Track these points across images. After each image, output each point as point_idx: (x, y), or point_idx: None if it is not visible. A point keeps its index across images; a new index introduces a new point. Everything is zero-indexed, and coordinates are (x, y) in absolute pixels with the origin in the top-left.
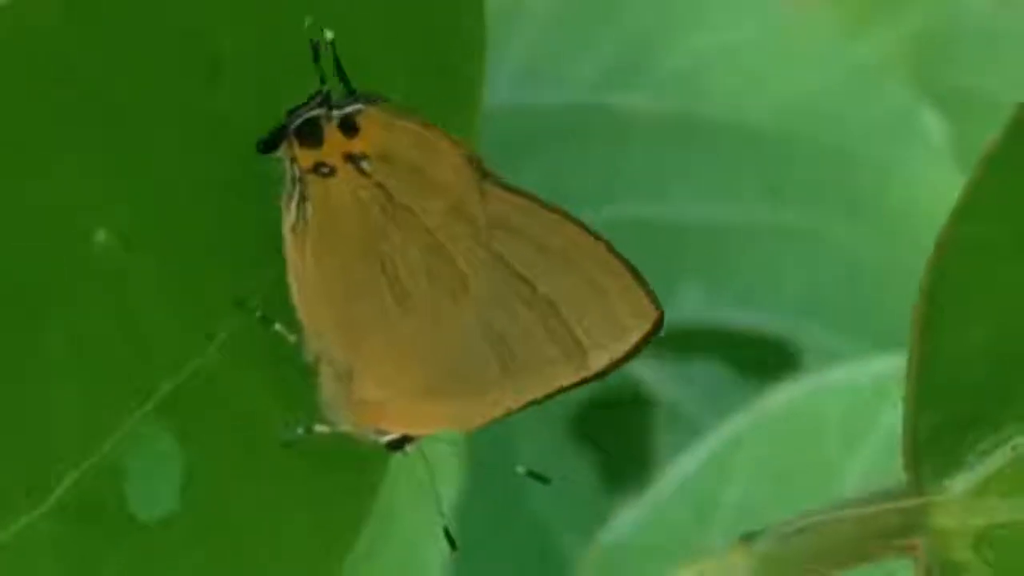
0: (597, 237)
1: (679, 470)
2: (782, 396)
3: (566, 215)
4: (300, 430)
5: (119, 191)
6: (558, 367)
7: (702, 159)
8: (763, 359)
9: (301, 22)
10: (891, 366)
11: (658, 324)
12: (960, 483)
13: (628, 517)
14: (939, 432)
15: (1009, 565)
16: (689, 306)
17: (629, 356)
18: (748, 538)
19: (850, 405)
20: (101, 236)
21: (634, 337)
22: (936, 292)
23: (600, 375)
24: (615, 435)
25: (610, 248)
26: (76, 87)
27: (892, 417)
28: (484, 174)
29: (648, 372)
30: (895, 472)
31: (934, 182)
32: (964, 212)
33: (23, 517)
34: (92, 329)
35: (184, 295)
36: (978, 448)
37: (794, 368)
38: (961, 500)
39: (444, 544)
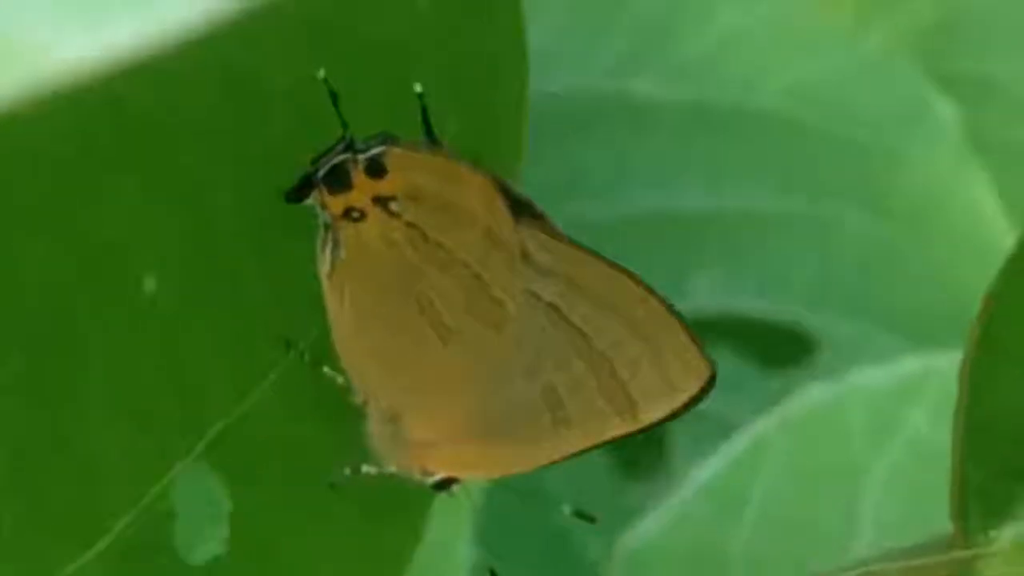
0: (652, 292)
1: (704, 471)
2: (807, 396)
3: (620, 268)
4: (347, 471)
5: (172, 232)
6: (608, 420)
7: (716, 147)
8: (778, 348)
9: (355, 62)
10: (918, 366)
11: (710, 383)
12: (1007, 534)
13: (653, 519)
14: (987, 483)
15: None
16: (703, 295)
17: (680, 412)
18: None
19: (876, 406)
20: (151, 281)
21: (685, 395)
22: (986, 343)
23: (650, 427)
24: None
25: (666, 304)
26: (133, 127)
27: (918, 418)
28: (538, 218)
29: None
30: (919, 480)
31: (946, 169)
32: (1016, 263)
33: (75, 561)
34: (142, 371)
35: (234, 338)
36: None
37: (809, 356)
38: (1009, 552)
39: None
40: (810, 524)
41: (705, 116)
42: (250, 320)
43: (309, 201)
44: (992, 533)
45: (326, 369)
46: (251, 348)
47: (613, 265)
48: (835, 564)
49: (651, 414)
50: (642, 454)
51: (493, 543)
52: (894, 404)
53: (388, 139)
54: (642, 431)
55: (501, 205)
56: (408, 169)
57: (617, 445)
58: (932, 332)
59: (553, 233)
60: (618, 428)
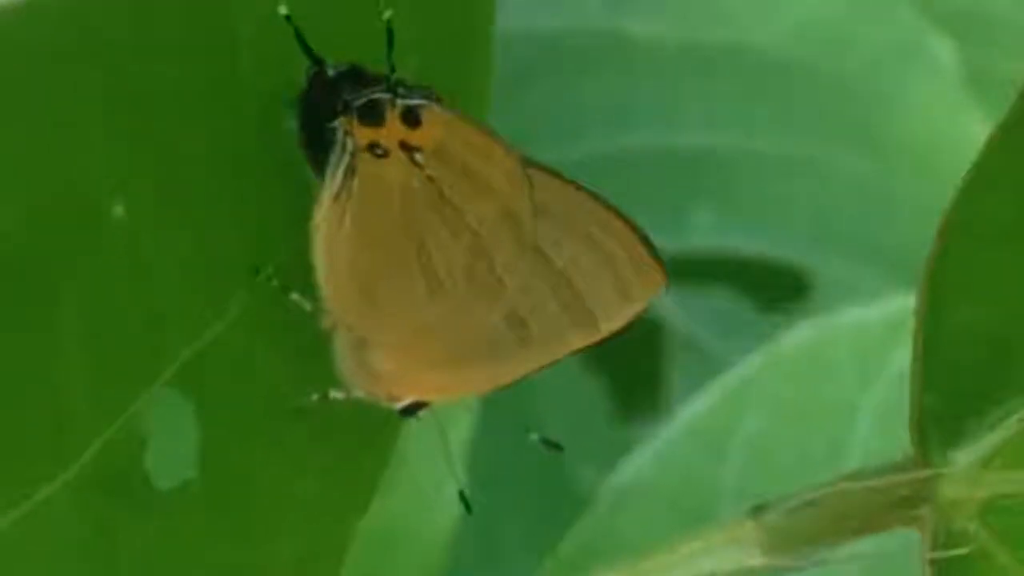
0: (604, 201)
1: (692, 408)
2: (796, 335)
3: (570, 181)
4: (314, 396)
5: (139, 164)
6: (569, 334)
7: (712, 86)
8: (774, 286)
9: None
10: (905, 304)
11: (662, 287)
12: (965, 455)
13: (641, 455)
14: (945, 406)
15: (1013, 534)
16: (700, 234)
17: (637, 317)
18: (756, 510)
19: (863, 344)
20: (119, 208)
21: (641, 302)
22: (940, 272)
23: (608, 338)
24: (627, 362)
25: (619, 214)
26: (99, 62)
27: (905, 356)
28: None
29: (660, 300)
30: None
31: (943, 107)
32: (967, 194)
33: (45, 488)
34: (110, 300)
35: (201, 265)
36: (983, 421)
37: (805, 295)
38: (966, 472)
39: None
40: (798, 461)
41: (701, 55)
42: (218, 245)
43: (334, 124)
44: (950, 454)
45: (294, 295)
46: (219, 273)
47: (568, 181)
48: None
49: (610, 324)
50: (637, 391)
51: (486, 478)
52: (881, 341)
53: (431, 94)
54: (605, 339)
55: (524, 188)
56: (442, 129)
57: (613, 382)
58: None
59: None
60: (579, 340)
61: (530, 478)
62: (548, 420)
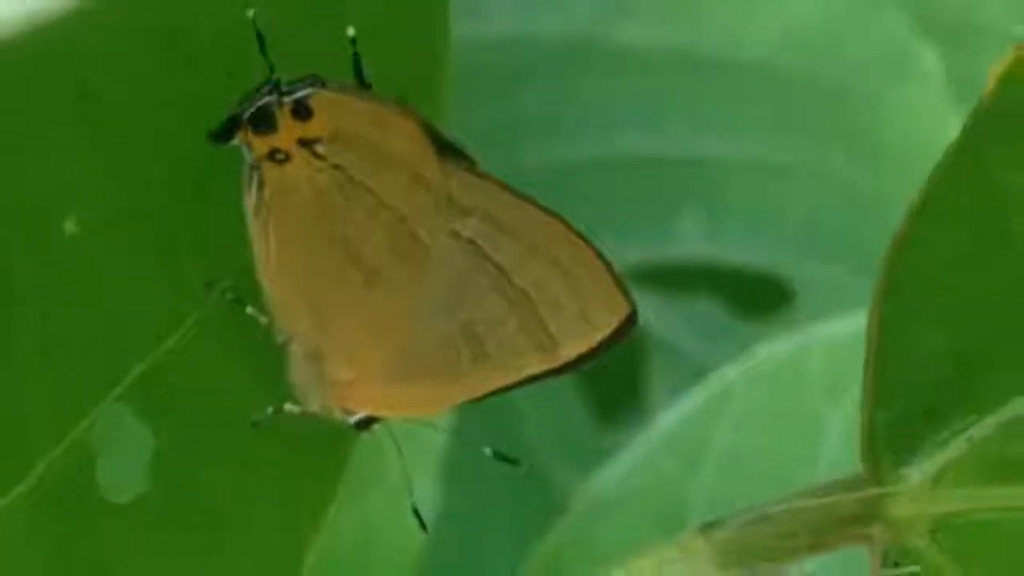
0: (579, 235)
1: (668, 417)
2: (772, 346)
3: (542, 207)
4: (269, 410)
5: (92, 177)
6: (528, 357)
7: (700, 92)
8: (759, 293)
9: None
10: None
11: (630, 319)
12: (916, 473)
13: (617, 464)
14: (896, 423)
15: (962, 552)
16: (687, 240)
17: (601, 348)
18: (708, 526)
19: (835, 358)
20: (71, 224)
21: (604, 331)
22: (893, 290)
23: (570, 366)
24: (607, 367)
25: (587, 241)
26: (51, 75)
27: None
28: (463, 160)
29: (645, 307)
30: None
31: (931, 114)
32: (921, 212)
33: None
34: (63, 314)
35: (155, 279)
36: (934, 439)
37: (790, 302)
38: (917, 490)
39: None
40: (771, 471)
41: (690, 61)
42: (172, 260)
43: (235, 142)
44: (902, 472)
45: (249, 308)
46: (174, 288)
47: (542, 208)
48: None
49: (570, 350)
50: (620, 397)
51: (465, 481)
52: (854, 354)
53: (315, 81)
54: (563, 369)
55: (428, 147)
56: (335, 111)
57: (595, 387)
58: None
59: (479, 174)
60: (538, 364)
61: (510, 481)
62: (528, 424)
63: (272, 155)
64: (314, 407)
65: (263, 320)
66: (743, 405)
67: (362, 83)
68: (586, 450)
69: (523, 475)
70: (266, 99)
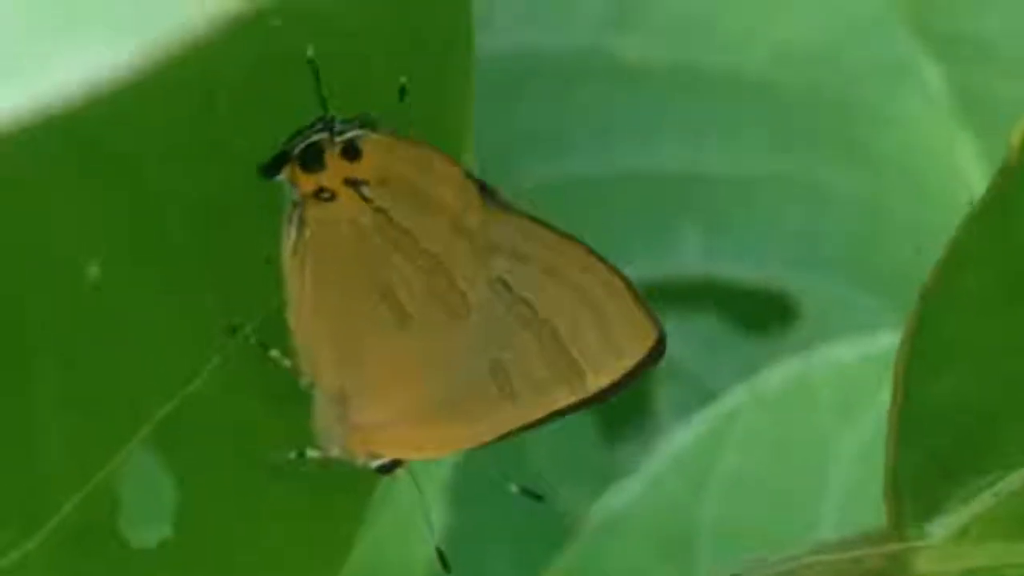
0: (600, 258)
1: (675, 441)
2: (780, 369)
3: (566, 235)
4: (292, 454)
5: (116, 221)
6: (556, 390)
7: (701, 107)
8: (762, 310)
9: (296, 47)
10: (892, 342)
11: (658, 346)
12: (940, 527)
13: (624, 487)
14: (921, 476)
15: None
16: (687, 256)
17: (630, 378)
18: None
19: (847, 380)
20: (95, 270)
21: (633, 359)
22: (920, 339)
23: (600, 397)
24: None
25: (614, 270)
26: (70, 121)
27: (886, 397)
28: (488, 193)
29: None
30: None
31: (932, 128)
32: (951, 262)
33: (19, 547)
34: (86, 358)
35: (178, 323)
36: (959, 494)
37: (793, 319)
38: (941, 545)
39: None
40: (778, 496)
41: (690, 75)
42: (196, 304)
43: (280, 177)
44: (925, 527)
45: (273, 352)
46: (197, 332)
47: (559, 232)
48: (799, 538)
49: (599, 381)
50: (626, 418)
51: (471, 501)
52: (866, 379)
53: (367, 122)
54: (593, 400)
55: (472, 196)
56: (384, 155)
57: (602, 410)
58: (916, 292)
59: (501, 202)
60: (566, 398)
61: (516, 501)
62: (534, 444)
63: (318, 193)
64: (336, 451)
65: (286, 363)
66: (750, 428)
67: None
68: (592, 470)
69: (528, 500)
70: (317, 137)
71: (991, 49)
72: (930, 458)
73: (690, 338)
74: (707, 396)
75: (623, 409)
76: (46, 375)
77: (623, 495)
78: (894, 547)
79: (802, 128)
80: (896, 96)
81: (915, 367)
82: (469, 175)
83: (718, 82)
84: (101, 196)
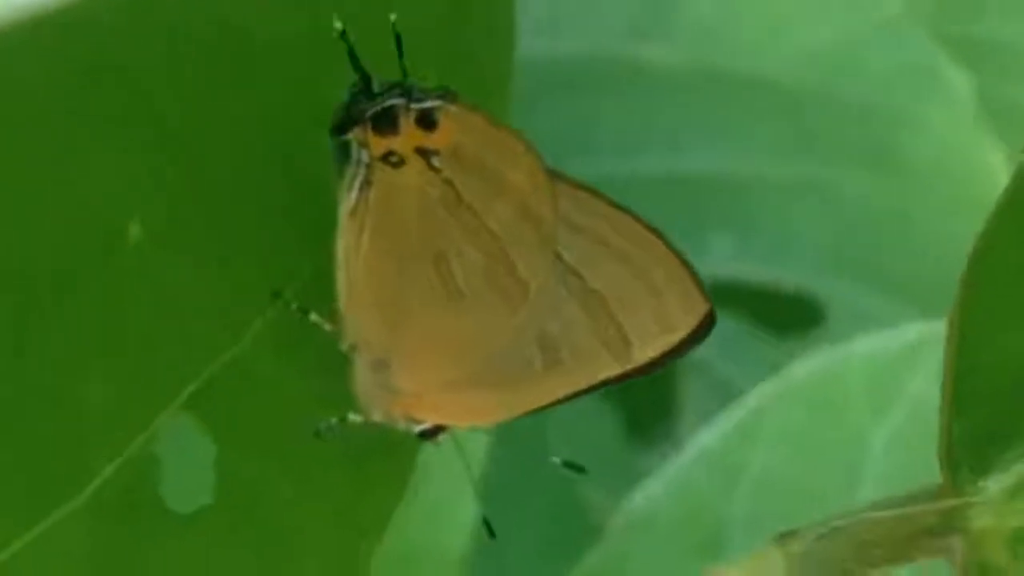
0: (651, 229)
1: (703, 438)
2: (809, 363)
3: (619, 206)
4: (333, 420)
5: (157, 182)
6: (602, 360)
7: (725, 111)
8: (788, 313)
9: (333, 13)
10: (920, 333)
11: (708, 319)
12: (996, 484)
13: (651, 485)
14: (975, 434)
15: None
16: (714, 260)
17: (677, 351)
18: (783, 538)
19: (877, 374)
20: (136, 229)
21: (681, 332)
22: (971, 298)
23: (646, 369)
24: (639, 388)
25: (665, 240)
26: (117, 82)
27: (919, 386)
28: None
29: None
30: (920, 447)
31: (957, 133)
32: (998, 221)
33: (60, 510)
34: (126, 321)
35: (219, 286)
36: (1013, 451)
37: (819, 322)
38: (997, 501)
39: (474, 510)
40: (810, 491)
41: (715, 80)
42: (237, 266)
43: (349, 136)
44: (980, 483)
45: (313, 316)
46: (238, 295)
47: (612, 203)
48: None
49: (646, 352)
50: (650, 417)
51: (498, 503)
52: (895, 371)
53: (447, 95)
54: (638, 372)
55: (545, 185)
56: (460, 129)
57: (626, 407)
58: (940, 298)
59: (553, 173)
60: (612, 368)
61: (542, 503)
62: (560, 446)
63: (387, 157)
64: (377, 416)
65: (328, 327)
66: (780, 424)
67: (405, 75)
68: (617, 470)
69: (555, 494)
70: (394, 101)
71: (1015, 54)
72: (984, 416)
73: (716, 340)
74: (732, 398)
75: (648, 410)
76: (86, 334)
77: (651, 493)
78: (950, 503)
79: (826, 132)
80: (921, 100)
81: (969, 322)
82: (546, 167)
83: (742, 87)
84: (142, 156)
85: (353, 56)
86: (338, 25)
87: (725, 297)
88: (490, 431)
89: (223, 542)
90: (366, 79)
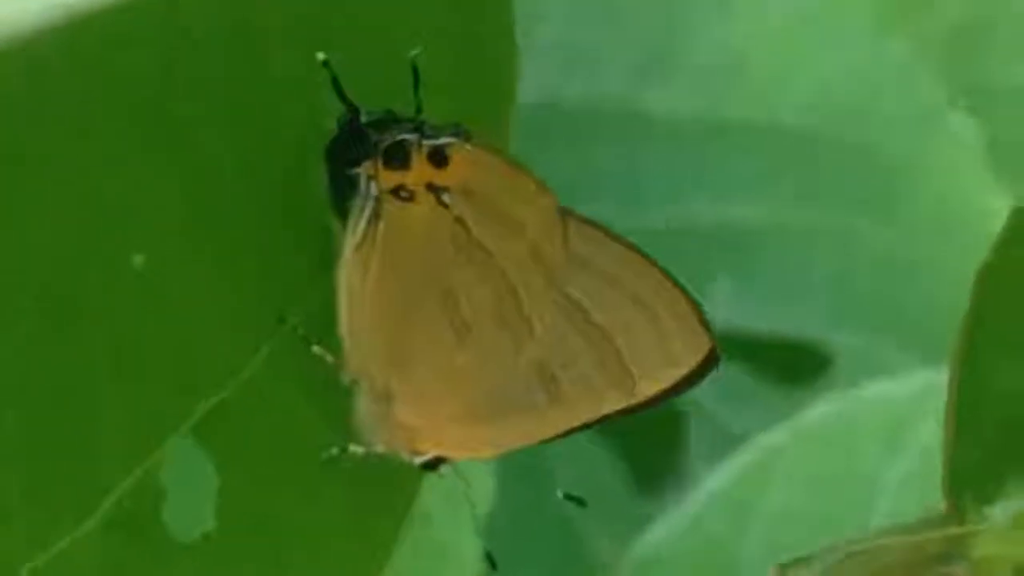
0: (656, 265)
1: (716, 479)
2: (821, 407)
3: (623, 240)
4: (335, 450)
5: (169, 207)
6: (605, 394)
7: (729, 158)
8: (792, 361)
9: (353, 36)
10: (930, 379)
11: (711, 356)
12: (1000, 512)
13: (664, 526)
14: (980, 461)
15: None
16: (718, 306)
17: (681, 387)
18: (796, 562)
19: (888, 418)
20: (140, 257)
21: (684, 368)
22: (977, 324)
23: (648, 404)
24: (642, 435)
25: (670, 277)
26: (127, 103)
27: (930, 431)
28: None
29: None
30: (931, 489)
31: (963, 178)
32: (1003, 248)
33: (70, 534)
34: (136, 345)
35: (228, 313)
36: (1017, 479)
37: (824, 368)
38: (1002, 530)
39: (477, 547)
40: (820, 533)
41: (719, 126)
42: (244, 295)
43: (358, 170)
44: (985, 511)
45: (316, 347)
46: (244, 323)
47: (617, 238)
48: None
49: (649, 388)
50: (655, 463)
51: (502, 549)
52: (906, 416)
53: (459, 132)
54: (641, 407)
55: (556, 226)
56: (471, 167)
57: (630, 454)
58: (946, 345)
59: (567, 212)
60: (614, 403)
61: (546, 548)
62: (564, 488)
63: (397, 191)
64: (379, 447)
65: (330, 359)
66: (793, 467)
67: (419, 111)
68: (621, 516)
69: (560, 539)
70: (406, 136)
71: (1019, 98)
72: (987, 444)
73: (722, 389)
74: (736, 444)
75: (652, 456)
76: (96, 358)
77: (663, 533)
78: (955, 530)
79: (832, 178)
80: (927, 146)
81: (973, 351)
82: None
83: (747, 132)
84: (152, 179)
85: (338, 87)
86: (320, 55)
87: (729, 345)
88: (494, 475)
89: (227, 567)
90: (353, 110)
